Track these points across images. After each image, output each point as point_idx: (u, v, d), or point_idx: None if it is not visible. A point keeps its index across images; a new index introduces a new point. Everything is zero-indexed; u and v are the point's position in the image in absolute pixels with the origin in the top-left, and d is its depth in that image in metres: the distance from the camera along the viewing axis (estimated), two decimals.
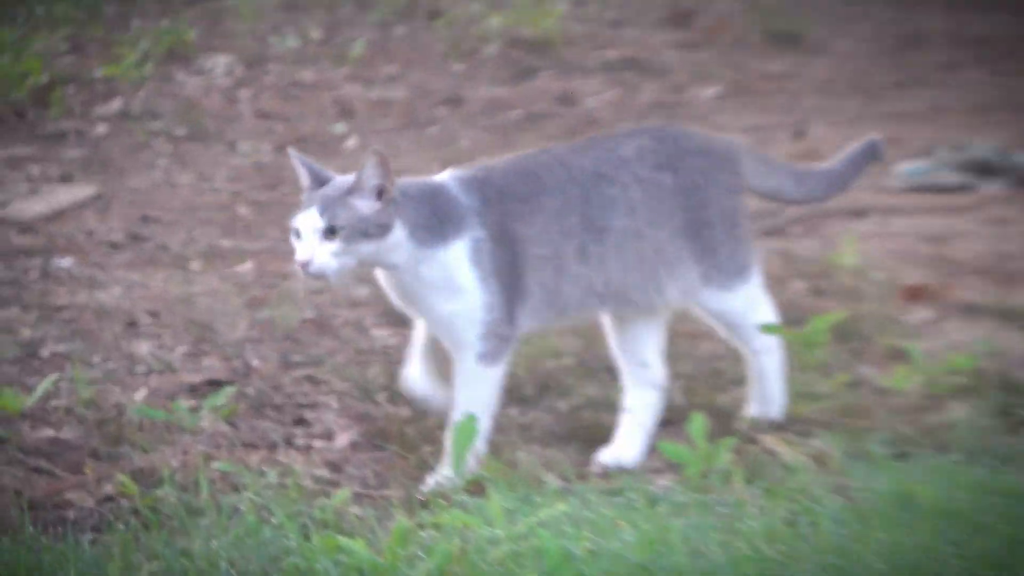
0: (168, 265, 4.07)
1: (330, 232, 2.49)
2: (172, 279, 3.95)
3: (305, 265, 2.51)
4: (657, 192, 2.72)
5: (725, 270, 2.79)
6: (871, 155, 3.08)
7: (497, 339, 2.60)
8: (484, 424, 2.66)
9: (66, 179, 4.85)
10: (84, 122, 5.45)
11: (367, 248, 2.51)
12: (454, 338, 2.63)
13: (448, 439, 2.65)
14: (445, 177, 2.65)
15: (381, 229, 2.50)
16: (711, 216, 2.76)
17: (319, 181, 2.57)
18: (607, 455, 2.82)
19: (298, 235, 2.53)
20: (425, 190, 2.60)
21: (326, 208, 2.50)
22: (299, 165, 2.60)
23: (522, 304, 2.61)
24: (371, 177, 2.52)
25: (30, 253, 4.13)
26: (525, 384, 3.17)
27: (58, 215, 4.50)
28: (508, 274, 2.58)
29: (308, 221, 2.51)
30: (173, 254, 4.18)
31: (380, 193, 2.52)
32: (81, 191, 4.73)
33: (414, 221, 2.53)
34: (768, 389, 2.95)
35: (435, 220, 2.55)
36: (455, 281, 2.56)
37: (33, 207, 4.54)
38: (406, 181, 2.59)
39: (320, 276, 2.52)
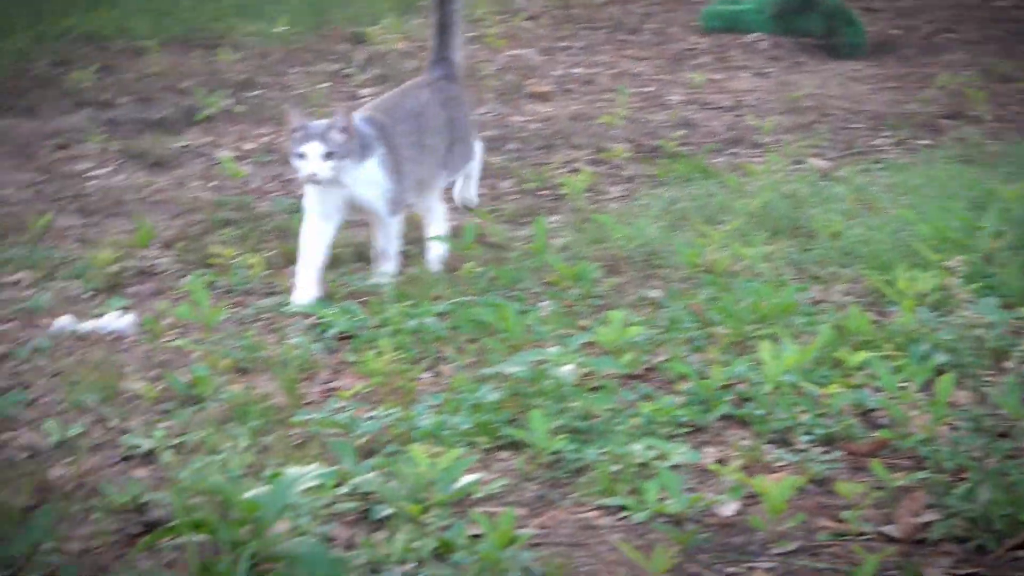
0: None
1: (327, 155, 3.90)
2: None
3: (314, 176, 3.88)
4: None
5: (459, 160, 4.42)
6: None
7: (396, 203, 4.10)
8: None
9: None
10: None
11: (340, 164, 3.91)
12: (376, 209, 4.06)
13: None
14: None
15: (347, 152, 3.94)
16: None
17: (303, 124, 3.93)
18: None
19: (303, 157, 3.89)
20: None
21: (323, 140, 3.90)
22: (293, 115, 3.95)
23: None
24: (340, 122, 3.93)
25: None
26: None
27: None
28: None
29: (313, 149, 3.87)
30: None
31: (344, 131, 3.93)
32: None
33: (348, 150, 3.95)
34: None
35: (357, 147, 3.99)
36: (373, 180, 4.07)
37: None
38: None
39: (321, 181, 3.90)
